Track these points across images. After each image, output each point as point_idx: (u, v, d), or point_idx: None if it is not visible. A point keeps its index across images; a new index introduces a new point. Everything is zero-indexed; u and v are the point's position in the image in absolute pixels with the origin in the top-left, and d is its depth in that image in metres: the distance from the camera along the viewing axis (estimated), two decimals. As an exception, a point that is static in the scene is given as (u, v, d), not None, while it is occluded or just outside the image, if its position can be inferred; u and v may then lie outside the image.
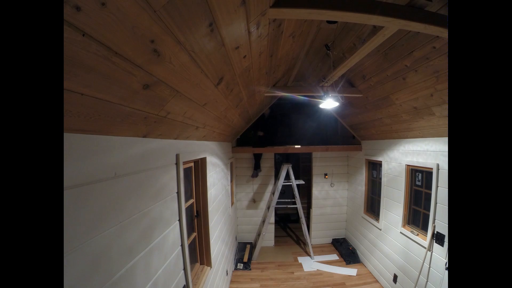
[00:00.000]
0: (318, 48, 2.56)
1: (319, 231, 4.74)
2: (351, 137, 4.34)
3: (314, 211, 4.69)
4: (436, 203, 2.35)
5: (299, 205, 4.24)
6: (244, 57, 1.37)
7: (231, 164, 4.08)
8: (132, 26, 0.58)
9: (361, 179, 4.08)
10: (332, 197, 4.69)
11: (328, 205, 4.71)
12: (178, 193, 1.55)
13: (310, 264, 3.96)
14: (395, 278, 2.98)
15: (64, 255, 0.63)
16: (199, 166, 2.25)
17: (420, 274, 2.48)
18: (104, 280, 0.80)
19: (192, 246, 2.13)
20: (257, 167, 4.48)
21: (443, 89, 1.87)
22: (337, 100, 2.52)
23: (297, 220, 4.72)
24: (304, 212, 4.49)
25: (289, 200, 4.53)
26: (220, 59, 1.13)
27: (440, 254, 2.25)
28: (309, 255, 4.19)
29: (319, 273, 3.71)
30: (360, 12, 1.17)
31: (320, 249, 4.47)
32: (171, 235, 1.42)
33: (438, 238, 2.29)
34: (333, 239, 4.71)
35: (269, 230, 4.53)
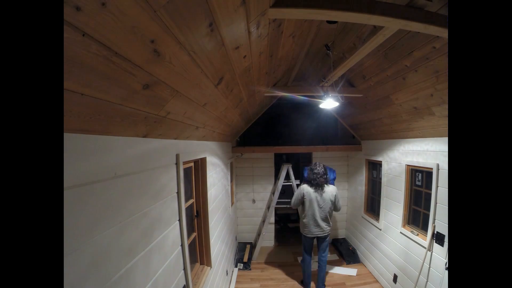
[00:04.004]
0: (318, 48, 2.56)
1: (319, 231, 4.73)
2: (351, 137, 4.34)
3: (314, 211, 4.68)
4: (436, 203, 2.35)
5: (299, 205, 4.23)
6: (244, 57, 1.37)
7: (231, 164, 4.08)
8: (132, 26, 0.58)
9: (361, 179, 4.08)
10: (332, 197, 4.69)
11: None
12: (178, 193, 1.55)
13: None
14: (395, 278, 2.98)
15: (64, 255, 0.63)
16: (199, 166, 2.25)
17: (420, 274, 2.48)
18: (104, 280, 0.80)
19: (192, 246, 2.13)
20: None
21: (443, 89, 1.87)
22: (337, 100, 2.52)
23: (297, 220, 4.73)
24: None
25: (289, 200, 4.53)
26: (220, 59, 1.13)
27: (440, 254, 2.25)
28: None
29: (319, 273, 3.71)
30: (360, 12, 1.17)
31: (320, 249, 4.46)
32: (171, 235, 1.42)
33: (438, 238, 2.29)
34: (333, 239, 4.71)
35: (269, 230, 4.52)
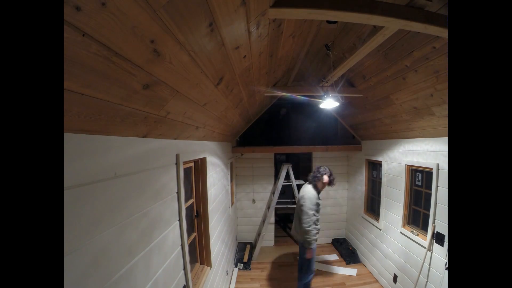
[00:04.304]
0: (318, 48, 2.56)
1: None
2: (351, 137, 4.34)
3: (314, 211, 4.68)
4: (436, 203, 2.35)
5: (299, 205, 4.23)
6: (244, 57, 1.37)
7: (231, 164, 4.08)
8: (132, 26, 0.58)
9: (361, 179, 4.08)
10: (332, 197, 4.69)
11: (328, 205, 4.70)
12: (178, 193, 1.55)
13: (310, 264, 3.96)
14: (395, 278, 2.98)
15: (64, 255, 0.63)
16: (199, 166, 2.25)
17: (420, 274, 2.48)
18: (104, 280, 0.80)
19: (192, 246, 2.13)
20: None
21: (443, 89, 1.87)
22: (337, 100, 2.52)
23: (297, 220, 4.73)
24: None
25: (289, 200, 4.53)
26: (220, 59, 1.13)
27: (440, 254, 2.25)
28: (309, 255, 4.18)
29: (319, 273, 3.71)
30: (360, 12, 1.17)
31: (320, 249, 4.46)
32: (171, 235, 1.42)
33: (438, 238, 2.29)
34: (333, 239, 4.71)
35: (269, 230, 4.52)
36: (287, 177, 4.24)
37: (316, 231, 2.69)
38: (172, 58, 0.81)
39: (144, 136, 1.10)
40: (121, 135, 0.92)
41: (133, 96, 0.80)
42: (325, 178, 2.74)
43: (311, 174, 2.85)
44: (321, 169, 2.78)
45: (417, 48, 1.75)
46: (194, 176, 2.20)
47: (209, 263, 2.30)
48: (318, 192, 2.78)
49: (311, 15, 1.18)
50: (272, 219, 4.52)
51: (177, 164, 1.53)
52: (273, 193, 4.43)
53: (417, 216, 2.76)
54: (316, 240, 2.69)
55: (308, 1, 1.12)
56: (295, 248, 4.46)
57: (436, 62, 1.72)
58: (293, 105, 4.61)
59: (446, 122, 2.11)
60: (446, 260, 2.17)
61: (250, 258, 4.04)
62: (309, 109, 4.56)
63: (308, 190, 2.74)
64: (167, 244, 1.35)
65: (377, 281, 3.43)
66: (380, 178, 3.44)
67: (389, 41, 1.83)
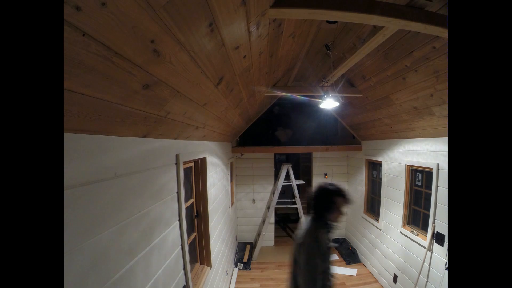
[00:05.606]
0: (318, 48, 2.56)
1: (319, 231, 4.73)
2: (351, 137, 4.34)
3: (314, 211, 4.68)
4: (436, 203, 2.35)
5: (299, 205, 4.24)
6: (244, 57, 1.37)
7: (231, 164, 4.08)
8: (132, 26, 0.58)
9: (361, 179, 4.08)
10: (332, 197, 4.69)
11: (328, 205, 4.70)
12: (178, 193, 1.55)
13: (310, 264, 3.96)
14: (395, 278, 2.98)
15: (64, 255, 0.63)
16: (199, 166, 2.25)
17: (420, 274, 2.48)
18: (104, 280, 0.80)
19: (192, 246, 2.13)
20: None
21: (443, 89, 1.87)
22: (337, 100, 2.52)
23: (297, 220, 4.72)
24: (304, 212, 4.49)
25: (289, 200, 4.53)
26: (220, 59, 1.13)
27: (440, 254, 2.25)
28: (309, 255, 4.18)
29: (319, 273, 3.71)
30: (360, 12, 1.17)
31: (320, 249, 4.46)
32: (171, 235, 1.42)
33: (438, 238, 2.29)
34: (333, 239, 4.71)
35: (269, 230, 4.52)
36: (287, 177, 4.24)
37: None
38: (172, 58, 0.81)
39: (144, 136, 1.10)
40: (121, 135, 0.92)
41: (133, 96, 0.80)
42: (341, 201, 1.46)
43: (312, 200, 1.50)
44: (331, 188, 1.46)
45: (417, 48, 1.75)
46: (194, 176, 2.20)
47: (209, 263, 2.30)
48: (328, 228, 1.54)
49: (311, 15, 1.18)
50: (272, 219, 4.52)
51: (177, 164, 1.53)
52: (273, 193, 4.43)
53: (417, 216, 2.76)
54: None
55: (308, 1, 1.12)
56: (295, 248, 4.46)
57: (436, 62, 1.72)
58: (293, 105, 4.61)
59: (446, 122, 2.12)
60: (446, 260, 2.17)
61: (250, 258, 4.04)
62: (309, 109, 4.56)
63: (309, 230, 1.49)
64: (167, 244, 1.35)
65: (377, 281, 3.43)
66: (380, 178, 3.44)
67: (389, 41, 1.83)
